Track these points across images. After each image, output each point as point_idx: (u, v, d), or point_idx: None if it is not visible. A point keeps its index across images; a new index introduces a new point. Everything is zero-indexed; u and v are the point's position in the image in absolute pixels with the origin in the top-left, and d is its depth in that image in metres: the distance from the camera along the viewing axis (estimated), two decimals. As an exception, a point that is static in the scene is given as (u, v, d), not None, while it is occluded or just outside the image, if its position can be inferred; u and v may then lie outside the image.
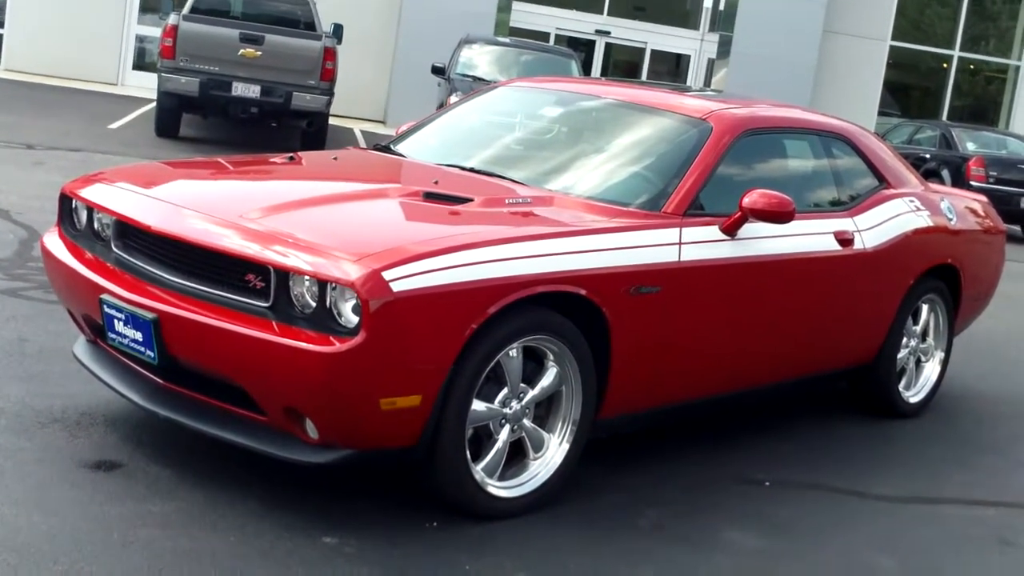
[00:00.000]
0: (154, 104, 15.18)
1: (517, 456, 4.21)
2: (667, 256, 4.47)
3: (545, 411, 4.27)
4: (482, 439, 4.08)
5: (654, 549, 4.07)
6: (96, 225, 4.42)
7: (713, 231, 4.71)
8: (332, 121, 16.05)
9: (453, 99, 13.21)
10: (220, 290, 3.85)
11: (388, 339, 3.60)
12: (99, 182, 4.53)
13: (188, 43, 14.07)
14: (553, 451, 4.27)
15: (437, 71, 16.13)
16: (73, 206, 4.54)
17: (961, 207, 6.52)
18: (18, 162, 11.00)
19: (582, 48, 23.88)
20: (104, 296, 4.08)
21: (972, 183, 16.47)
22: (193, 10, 14.69)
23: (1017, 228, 17.06)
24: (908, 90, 26.79)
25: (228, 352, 3.75)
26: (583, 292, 4.12)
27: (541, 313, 4.05)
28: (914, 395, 6.25)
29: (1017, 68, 25.90)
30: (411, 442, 3.82)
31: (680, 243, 4.54)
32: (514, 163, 5.23)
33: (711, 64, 24.78)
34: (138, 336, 3.96)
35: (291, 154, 5.32)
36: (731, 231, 4.74)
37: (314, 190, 4.74)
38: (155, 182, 4.58)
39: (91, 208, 4.42)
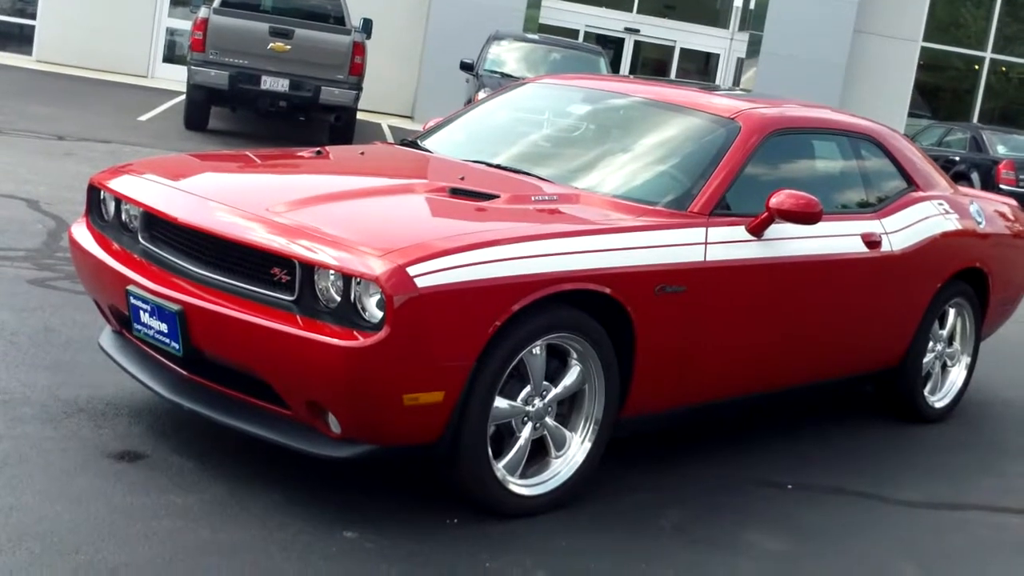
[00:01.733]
0: (183, 97, 15.25)
1: (539, 454, 4.20)
2: (693, 256, 4.45)
3: (568, 409, 4.27)
4: (504, 436, 4.08)
5: (676, 551, 4.06)
6: (124, 216, 4.44)
7: (739, 231, 4.69)
8: (360, 116, 16.08)
9: (481, 95, 13.23)
10: (245, 283, 3.85)
11: (412, 335, 3.61)
12: (127, 173, 4.54)
13: (218, 36, 14.12)
14: (575, 450, 4.26)
15: (465, 67, 16.14)
16: (101, 197, 4.57)
17: (990, 210, 6.47)
18: (48, 153, 11.07)
19: (611, 45, 23.84)
20: (130, 287, 4.09)
21: (1002, 186, 16.37)
22: (224, 4, 14.72)
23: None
24: (939, 92, 26.62)
25: (252, 345, 3.76)
26: (608, 291, 4.11)
27: (565, 311, 4.04)
28: (939, 400, 6.21)
29: (1050, 71, 25.73)
30: (433, 438, 3.82)
31: (706, 243, 4.52)
32: (541, 160, 5.22)
33: (740, 63, 24.70)
34: (163, 327, 3.97)
35: (318, 148, 5.33)
36: (758, 232, 4.72)
37: (340, 184, 4.75)
38: (182, 174, 4.60)
39: (119, 199, 4.44)
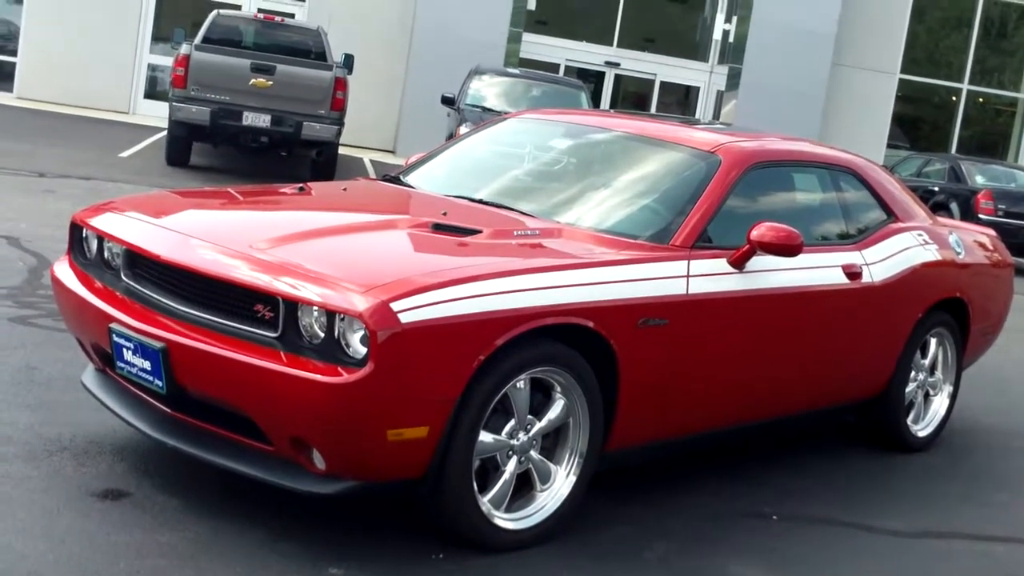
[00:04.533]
0: (165, 133, 15.25)
1: (524, 488, 4.20)
2: (675, 289, 4.47)
3: (552, 443, 4.27)
4: (489, 471, 4.07)
5: (661, 583, 4.06)
6: (106, 254, 4.43)
7: (721, 264, 4.72)
8: (342, 151, 16.11)
9: (463, 130, 13.29)
10: (229, 320, 3.86)
11: (396, 370, 3.61)
12: (109, 211, 4.55)
13: (200, 73, 14.15)
14: (560, 483, 4.26)
15: (447, 102, 16.20)
16: (83, 235, 4.57)
17: (969, 240, 6.52)
18: (29, 190, 11.05)
19: (592, 79, 23.96)
20: (113, 325, 4.09)
21: (981, 216, 16.46)
22: (205, 40, 14.78)
23: (1026, 261, 17.04)
24: (917, 123, 26.82)
25: (236, 382, 3.76)
26: (591, 324, 4.12)
27: (549, 345, 4.05)
28: (922, 429, 6.23)
29: (1026, 102, 25.94)
30: (418, 473, 3.82)
31: (688, 276, 4.54)
32: (523, 195, 5.25)
33: (720, 96, 24.83)
34: (147, 365, 3.97)
35: (301, 184, 5.34)
36: (739, 264, 4.75)
37: (323, 221, 4.76)
38: (165, 212, 4.60)
39: (101, 237, 4.44)
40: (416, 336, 3.63)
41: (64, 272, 4.57)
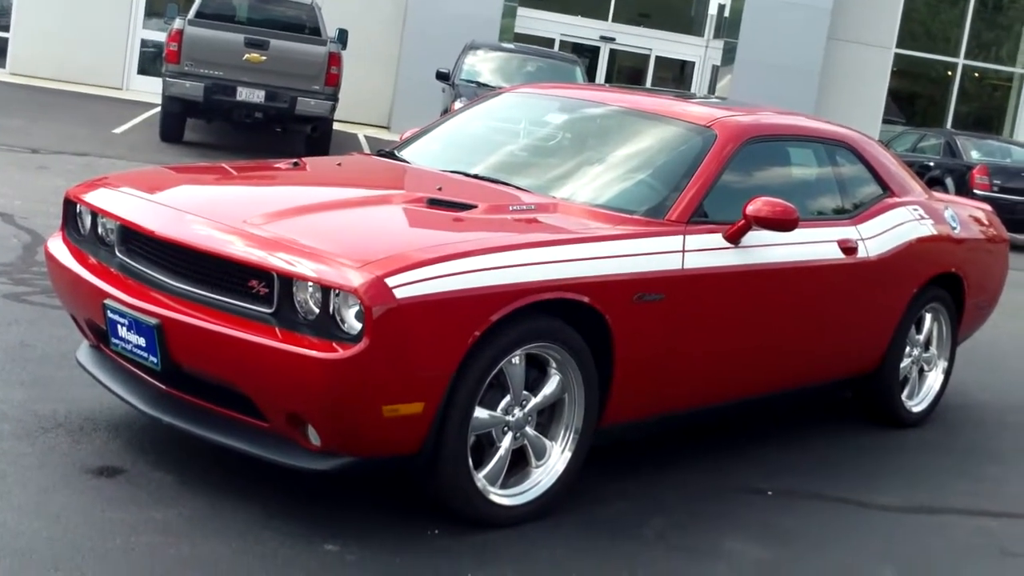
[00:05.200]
0: (159, 109, 15.19)
1: (519, 464, 4.20)
2: (670, 264, 4.47)
3: (547, 419, 4.27)
4: (484, 446, 4.07)
5: (657, 559, 4.07)
6: (100, 230, 4.42)
7: (717, 239, 4.71)
8: (336, 126, 16.07)
9: (457, 105, 13.24)
10: (223, 296, 3.84)
11: (391, 346, 3.60)
12: (103, 187, 4.53)
13: (193, 48, 14.09)
14: (555, 459, 4.26)
15: (441, 77, 16.15)
16: (77, 211, 4.55)
17: (965, 216, 6.52)
18: (23, 166, 11.01)
19: (587, 54, 23.90)
20: (107, 301, 4.08)
21: (976, 191, 16.46)
22: (198, 15, 14.71)
23: (1021, 237, 17.04)
24: (913, 98, 26.79)
25: (231, 358, 3.75)
26: (586, 300, 4.11)
27: (544, 320, 4.04)
28: (917, 404, 6.24)
29: (1022, 76, 25.89)
30: (413, 449, 3.82)
31: (684, 251, 4.53)
32: (518, 170, 5.23)
33: (715, 71, 24.79)
34: (141, 341, 3.96)
35: (295, 159, 5.32)
36: (735, 239, 4.74)
37: (318, 196, 4.74)
38: (159, 187, 4.58)
39: (95, 213, 4.42)
40: (411, 311, 3.62)
41: (58, 248, 4.55)
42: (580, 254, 4.17)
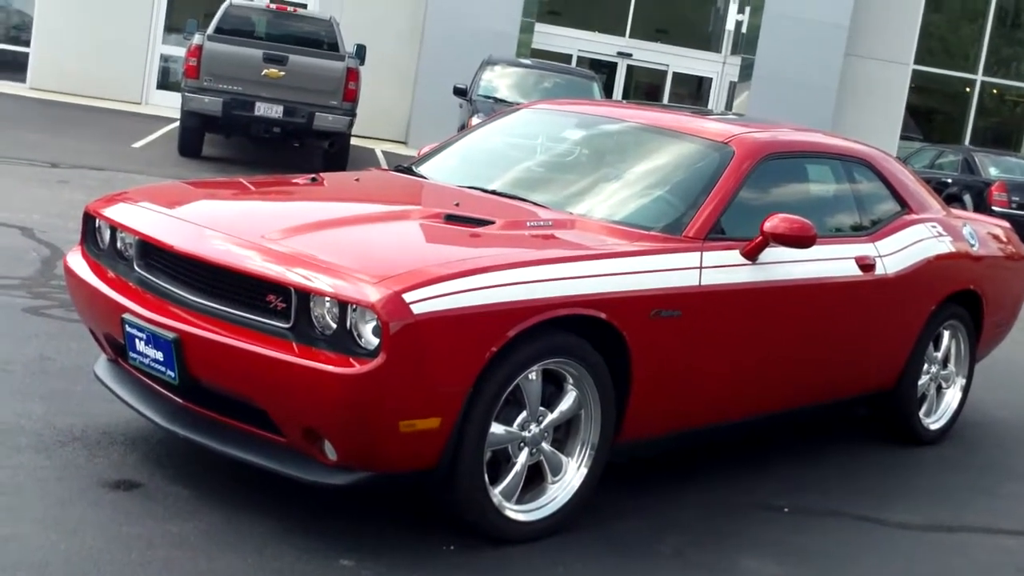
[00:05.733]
0: (178, 123, 15.26)
1: (535, 479, 4.20)
2: (688, 280, 4.46)
3: (564, 434, 4.26)
4: (500, 462, 4.07)
5: (673, 575, 4.05)
6: (119, 244, 4.44)
7: (734, 255, 4.70)
8: (354, 142, 16.11)
9: (475, 121, 13.27)
10: (241, 311, 3.86)
11: (408, 361, 3.60)
12: (122, 202, 4.55)
13: (212, 63, 14.16)
14: (572, 475, 4.26)
15: (459, 92, 16.17)
16: (96, 225, 4.57)
17: (983, 232, 6.49)
18: (42, 180, 11.07)
19: (604, 70, 23.91)
20: (126, 315, 4.09)
21: (994, 208, 16.41)
22: (217, 30, 14.77)
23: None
24: (931, 114, 26.72)
25: (248, 373, 3.76)
26: (603, 316, 4.11)
27: (561, 336, 4.04)
28: (935, 422, 6.21)
29: (1041, 93, 25.83)
30: (430, 464, 3.81)
31: (701, 267, 4.53)
32: (535, 186, 5.23)
33: (733, 87, 24.78)
34: (159, 356, 3.97)
35: (313, 175, 5.34)
36: (752, 255, 4.73)
37: (336, 211, 4.76)
38: (177, 202, 4.60)
39: (114, 227, 4.44)
40: (428, 327, 3.62)
41: (77, 262, 4.57)
42: (597, 270, 4.17)
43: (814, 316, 5.18)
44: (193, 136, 14.66)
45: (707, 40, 25.44)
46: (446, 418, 3.74)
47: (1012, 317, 6.85)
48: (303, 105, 14.27)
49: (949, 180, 18.35)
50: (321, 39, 15.45)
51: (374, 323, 3.61)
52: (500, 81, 16.16)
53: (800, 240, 4.70)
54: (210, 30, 14.75)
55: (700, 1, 26.28)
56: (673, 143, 5.28)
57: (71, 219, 8.20)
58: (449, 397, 3.73)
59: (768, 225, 4.69)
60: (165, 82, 22.27)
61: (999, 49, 25.77)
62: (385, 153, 19.42)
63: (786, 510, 4.86)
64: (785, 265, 4.89)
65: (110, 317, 4.23)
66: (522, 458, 4.09)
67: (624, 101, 17.81)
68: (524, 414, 4.05)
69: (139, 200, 4.55)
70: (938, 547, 4.75)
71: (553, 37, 23.63)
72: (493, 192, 5.03)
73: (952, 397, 6.34)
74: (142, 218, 4.34)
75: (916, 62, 24.98)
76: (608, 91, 22.77)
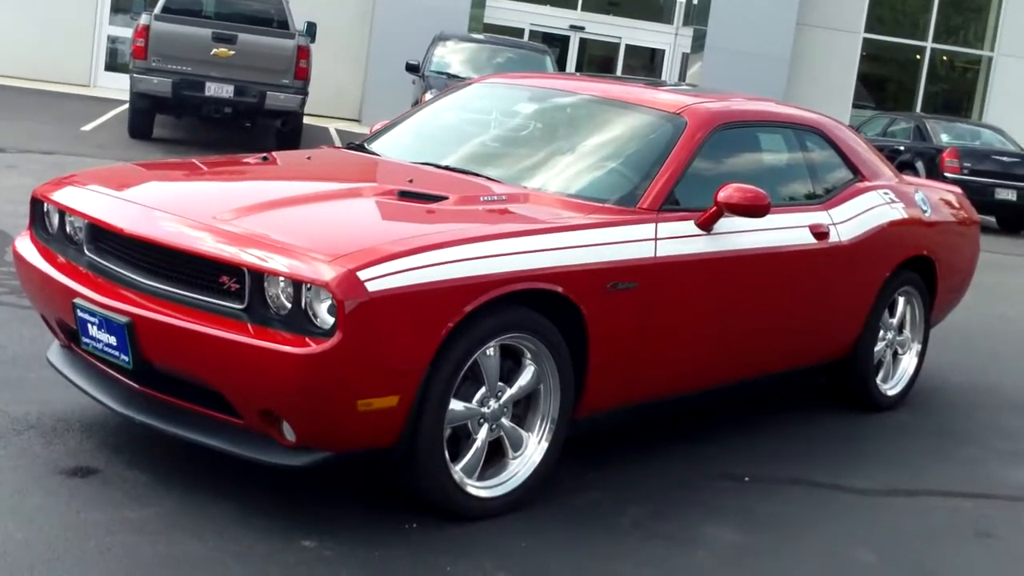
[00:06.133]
0: (127, 105, 15.09)
1: (496, 456, 4.20)
2: (643, 252, 4.46)
3: (523, 410, 4.26)
4: (460, 439, 4.07)
5: (635, 547, 4.07)
6: (68, 229, 4.38)
7: (689, 226, 4.71)
8: (307, 120, 15.99)
9: (427, 97, 13.19)
10: (194, 292, 3.82)
11: (364, 339, 3.58)
12: (70, 185, 4.49)
13: (160, 43, 13.99)
14: (532, 450, 4.26)
15: (411, 68, 16.09)
16: (45, 210, 4.51)
17: (936, 199, 6.54)
18: (-10, 165, 10.92)
19: (556, 44, 23.87)
20: (77, 300, 4.04)
21: (946, 174, 16.54)
22: (165, 10, 14.59)
23: (992, 219, 17.15)
24: (882, 82, 26.88)
25: (203, 355, 3.73)
26: (559, 289, 4.11)
27: (518, 311, 4.03)
28: (891, 388, 6.27)
29: (990, 59, 26.03)
30: (389, 443, 3.80)
31: (656, 239, 4.53)
32: (489, 160, 5.21)
33: (685, 58, 24.81)
34: (112, 340, 3.93)
35: (265, 154, 5.29)
36: (707, 226, 4.74)
37: (288, 190, 4.72)
38: (127, 184, 4.55)
39: (63, 211, 4.38)
40: (384, 304, 3.60)
41: (26, 248, 4.51)
42: (552, 244, 4.16)
43: (770, 285, 5.20)
44: (143, 118, 14.50)
45: (659, 12, 25.46)
46: (404, 396, 3.73)
47: (965, 282, 6.91)
48: (254, 84, 14.14)
49: (901, 147, 18.47)
50: (271, 17, 15.32)
51: (329, 302, 3.59)
52: (452, 57, 16.09)
53: (754, 209, 4.71)
54: (157, 10, 14.56)
55: (651, -27, 26.29)
56: (626, 115, 5.27)
57: (19, 204, 8.08)
58: (407, 374, 3.72)
59: (722, 195, 4.70)
60: (113, 64, 22.00)
61: (949, 16, 25.94)
62: (339, 131, 19.30)
63: (746, 479, 4.88)
64: (740, 235, 4.91)
65: (61, 302, 4.18)
66: (482, 434, 4.08)
67: (577, 74, 17.78)
68: (483, 390, 4.04)
69: (87, 183, 4.48)
70: (897, 511, 4.80)
71: (505, 12, 23.56)
72: (446, 168, 5.01)
73: (908, 363, 6.40)
74: (91, 201, 4.28)
75: (867, 30, 25.12)
76: (561, 65, 22.72)
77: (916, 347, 6.43)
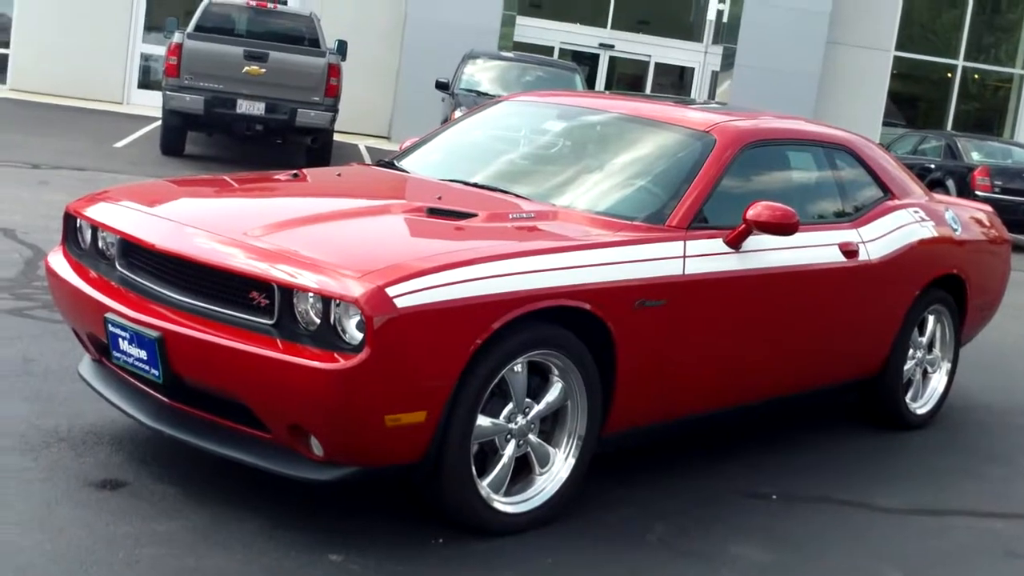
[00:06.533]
0: (159, 122, 15.21)
1: (523, 471, 4.20)
2: (672, 269, 4.46)
3: (551, 426, 4.26)
4: (487, 455, 4.07)
5: (662, 564, 4.06)
6: (100, 244, 4.42)
7: (717, 244, 4.71)
8: (336, 137, 16.07)
9: (457, 114, 13.24)
10: (224, 308, 3.84)
11: (392, 355, 3.60)
12: (103, 201, 4.53)
13: (192, 61, 14.11)
14: (559, 466, 4.26)
15: (441, 86, 16.15)
16: (77, 225, 4.55)
17: (966, 217, 6.51)
18: (24, 181, 11.02)
19: (586, 62, 23.92)
20: (108, 315, 4.08)
21: (977, 193, 16.45)
22: (197, 28, 14.73)
23: (1023, 238, 17.03)
24: (913, 100, 26.78)
25: (232, 370, 3.75)
26: (587, 307, 4.11)
27: (546, 328, 4.04)
28: (921, 406, 6.23)
29: (1022, 77, 25.89)
30: (416, 458, 3.81)
31: (684, 256, 4.53)
32: (518, 178, 5.23)
33: (715, 76, 24.80)
34: (143, 355, 3.96)
35: (295, 171, 5.33)
36: (736, 244, 4.74)
37: (318, 207, 4.74)
38: (159, 200, 4.59)
39: (95, 227, 4.42)
40: (412, 321, 3.62)
41: (59, 263, 4.56)
42: (581, 261, 4.16)
43: (798, 303, 5.19)
44: (175, 135, 14.62)
45: (689, 30, 25.46)
46: (432, 411, 3.74)
47: (995, 301, 6.87)
48: (285, 102, 14.24)
49: (932, 165, 18.39)
50: (302, 35, 15.41)
51: (358, 318, 3.61)
52: (482, 74, 16.15)
53: (783, 227, 4.71)
54: (190, 28, 14.70)
55: (681, -9, 26.31)
56: (655, 133, 5.28)
57: (53, 220, 8.14)
58: (434, 390, 3.73)
59: (751, 213, 4.69)
60: (146, 81, 22.21)
61: (980, 34, 25.84)
62: (368, 148, 19.40)
63: (773, 497, 4.87)
64: (768, 253, 4.90)
65: (93, 317, 4.21)
66: (509, 450, 4.09)
67: (606, 92, 17.80)
68: (510, 406, 4.05)
69: (120, 199, 4.53)
70: (924, 531, 4.77)
71: (535, 30, 23.62)
72: (475, 185, 5.03)
73: (938, 382, 6.36)
74: (123, 217, 4.32)
75: (898, 48, 25.04)
76: (591, 83, 22.78)
77: (946, 366, 6.40)
